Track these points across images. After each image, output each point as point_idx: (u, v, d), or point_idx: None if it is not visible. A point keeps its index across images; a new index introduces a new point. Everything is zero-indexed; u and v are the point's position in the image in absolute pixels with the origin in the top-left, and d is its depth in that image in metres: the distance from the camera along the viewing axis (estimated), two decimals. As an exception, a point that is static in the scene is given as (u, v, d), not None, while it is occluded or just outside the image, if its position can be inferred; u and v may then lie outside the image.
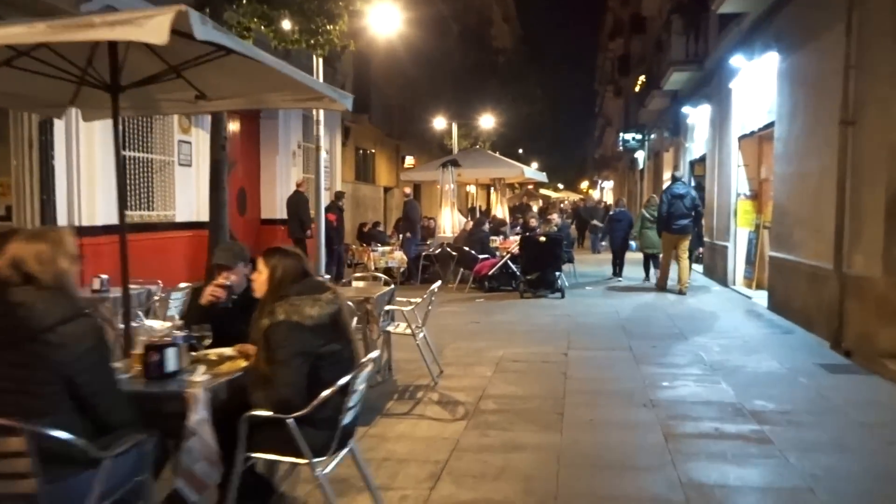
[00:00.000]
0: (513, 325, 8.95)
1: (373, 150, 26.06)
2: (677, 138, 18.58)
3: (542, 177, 19.01)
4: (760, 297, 10.79)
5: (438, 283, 6.72)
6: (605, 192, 64.13)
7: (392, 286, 6.82)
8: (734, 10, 10.74)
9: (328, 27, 9.06)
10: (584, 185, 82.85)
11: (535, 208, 43.08)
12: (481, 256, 12.53)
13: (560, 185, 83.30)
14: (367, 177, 25.29)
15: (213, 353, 3.42)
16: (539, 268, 11.54)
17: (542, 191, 57.16)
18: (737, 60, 11.25)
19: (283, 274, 3.16)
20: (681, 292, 11.65)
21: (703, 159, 16.07)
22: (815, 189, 8.07)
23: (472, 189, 46.18)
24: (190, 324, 3.51)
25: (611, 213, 17.49)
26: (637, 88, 24.42)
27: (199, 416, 2.87)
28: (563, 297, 11.43)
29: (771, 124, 10.29)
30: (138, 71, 4.87)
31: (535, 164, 53.26)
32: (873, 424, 4.92)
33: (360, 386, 3.17)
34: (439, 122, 23.63)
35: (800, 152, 8.70)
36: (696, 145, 16.51)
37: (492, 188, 21.26)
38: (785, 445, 4.45)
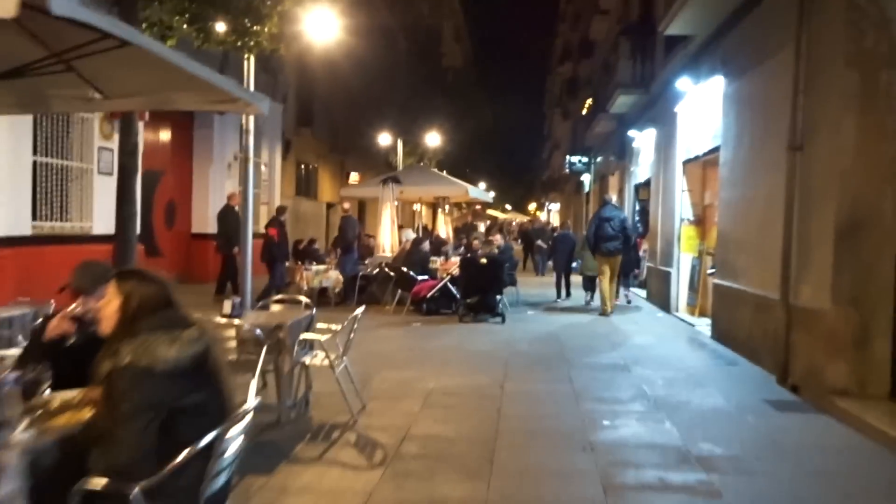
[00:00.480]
0: (448, 353, 8.41)
1: (316, 165, 25.34)
2: (623, 162, 18.49)
3: (487, 196, 18.64)
4: (704, 326, 10.53)
5: (361, 308, 6.12)
6: (551, 214, 64.59)
7: (312, 311, 6.19)
8: (681, 31, 10.56)
9: (256, 28, 8.42)
10: (532, 206, 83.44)
11: (482, 228, 42.92)
12: (420, 277, 11.98)
13: (508, 207, 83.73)
14: (308, 192, 24.53)
15: (59, 399, 2.76)
16: (479, 291, 11.06)
17: (490, 211, 57.22)
18: (683, 84, 11.08)
19: (139, 304, 2.54)
20: (603, 313, 11.77)
21: (647, 183, 15.94)
22: (761, 215, 7.81)
23: (418, 207, 45.82)
24: (28, 361, 2.84)
25: (555, 234, 17.53)
26: (584, 111, 24.43)
27: (8, 487, 2.21)
28: (503, 321, 10.96)
29: (716, 149, 10.08)
30: (13, 58, 4.23)
31: (482, 185, 53.30)
32: (827, 473, 4.53)
33: (232, 445, 2.56)
34: (385, 139, 23.07)
35: (745, 177, 8.46)
36: (642, 169, 16.39)
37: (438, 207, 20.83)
38: (736, 500, 4.00)
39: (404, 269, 12.05)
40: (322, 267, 12.84)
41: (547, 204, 69.08)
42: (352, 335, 5.83)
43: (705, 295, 11.65)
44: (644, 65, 14.55)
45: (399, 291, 12.44)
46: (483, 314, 11.20)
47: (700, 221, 12.19)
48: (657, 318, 12.02)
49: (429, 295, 11.68)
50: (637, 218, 17.08)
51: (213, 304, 13.48)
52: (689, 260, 12.09)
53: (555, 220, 57.31)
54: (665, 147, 13.25)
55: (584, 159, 26.41)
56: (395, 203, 13.96)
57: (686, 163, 12.08)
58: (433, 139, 23.75)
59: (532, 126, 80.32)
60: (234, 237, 12.90)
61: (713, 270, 10.10)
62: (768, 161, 7.57)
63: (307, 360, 5.67)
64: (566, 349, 8.76)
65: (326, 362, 5.56)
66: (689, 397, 6.32)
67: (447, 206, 42.08)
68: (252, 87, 10.18)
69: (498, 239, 13.41)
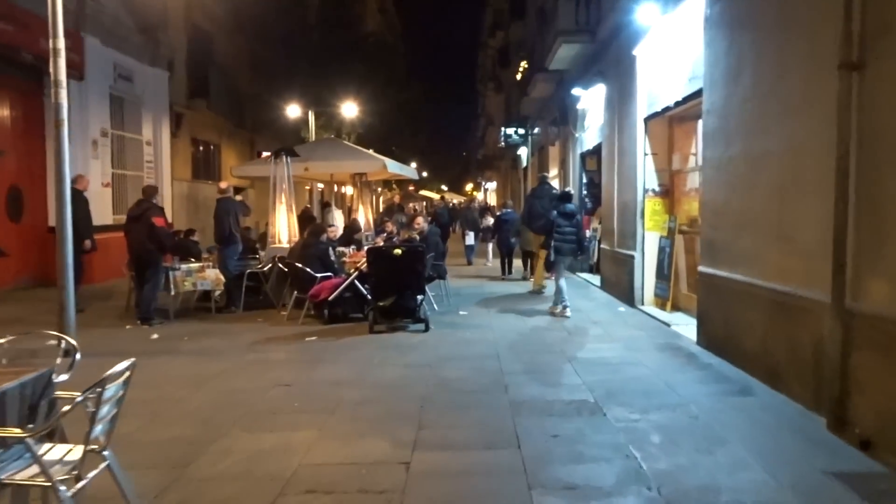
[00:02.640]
0: (341, 390, 5.78)
1: (217, 143, 22.12)
2: (565, 128, 16.12)
3: (411, 172, 16.06)
4: (682, 325, 8.23)
5: (126, 363, 3.27)
6: (488, 193, 62.47)
7: (49, 371, 3.45)
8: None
9: None
10: (469, 187, 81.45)
11: (418, 209, 40.26)
12: (320, 275, 9.29)
13: (444, 187, 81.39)
14: (209, 174, 21.30)
15: None
16: (394, 290, 8.47)
17: (425, 192, 54.58)
18: (645, 15, 8.65)
19: None
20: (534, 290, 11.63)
21: (596, 151, 13.60)
22: (778, 177, 5.46)
23: (350, 191, 42.99)
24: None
25: (499, 214, 16.78)
26: (519, 76, 21.98)
27: None
28: (426, 329, 8.41)
29: (694, 95, 7.73)
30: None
31: (413, 164, 50.61)
32: None
33: None
34: (293, 111, 20.08)
35: (748, 126, 6.08)
36: (589, 134, 14.05)
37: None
38: None
39: (298, 266, 9.34)
40: (195, 265, 9.98)
41: (483, 183, 66.99)
42: (120, 392, 3.13)
43: (679, 284, 9.37)
44: (589, 6, 12.11)
45: (295, 293, 9.75)
46: (400, 320, 8.63)
47: (668, 192, 9.90)
48: (619, 313, 9.69)
49: (330, 297, 9.01)
50: (584, 192, 14.76)
51: (91, 311, 10.54)
52: (656, 240, 9.79)
53: (492, 200, 55.23)
54: (620, 103, 10.87)
55: (521, 130, 24.04)
56: (288, 182, 11.14)
57: (649, 119, 9.73)
58: (350, 110, 20.83)
59: (466, 105, 77.68)
60: (85, 230, 9.97)
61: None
62: (793, 97, 5.20)
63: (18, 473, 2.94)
64: (508, 372, 6.26)
65: (62, 474, 2.87)
66: (712, 474, 3.88)
67: (376, 187, 39.29)
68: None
69: (420, 222, 10.80)
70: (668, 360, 6.69)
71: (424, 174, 59.32)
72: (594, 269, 14.11)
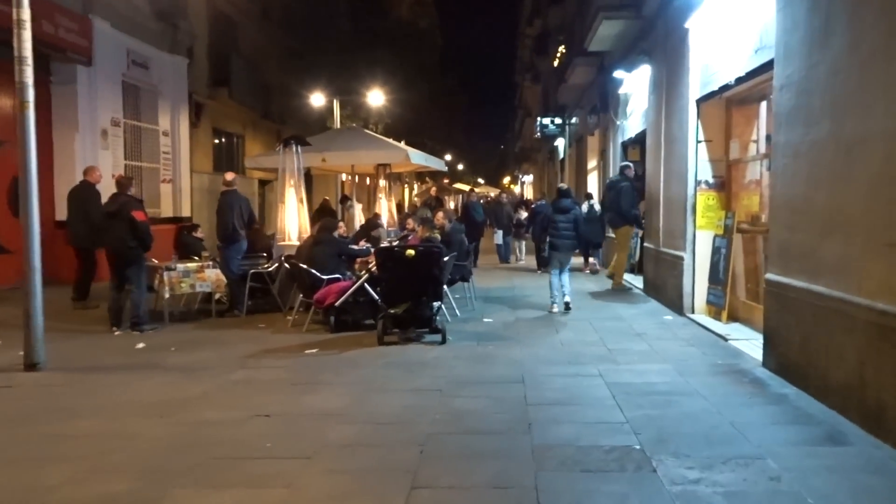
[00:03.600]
0: (328, 424, 4.75)
1: (241, 134, 21.34)
2: (605, 115, 14.85)
3: (438, 164, 14.99)
4: (743, 341, 7.02)
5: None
6: (525, 186, 61.10)
7: None
8: None
9: None
10: (507, 180, 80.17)
11: (452, 204, 38.98)
12: (326, 277, 8.29)
13: (480, 180, 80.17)
14: (232, 166, 20.48)
15: None
16: (407, 296, 7.41)
17: (459, 185, 53.49)
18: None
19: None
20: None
21: (640, 139, 12.35)
22: (881, 167, 4.24)
23: (384, 183, 42.11)
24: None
25: (533, 206, 16.87)
26: (556, 63, 20.70)
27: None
28: (443, 341, 7.34)
29: (761, 69, 6.49)
30: None
31: (448, 156, 49.52)
32: None
33: None
34: (319, 100, 19.15)
35: (838, 103, 4.84)
36: (632, 121, 12.78)
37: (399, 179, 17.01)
38: None
39: (303, 267, 8.34)
40: (193, 266, 9.06)
41: (520, 176, 65.61)
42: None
43: (737, 290, 8.14)
44: (635, -23, 10.85)
45: (301, 297, 8.78)
46: (414, 329, 7.58)
47: (723, 184, 8.64)
48: (666, 324, 8.48)
49: (337, 303, 8.00)
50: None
51: (70, 314, 9.78)
52: (710, 240, 8.54)
53: (528, 193, 53.84)
54: (668, 85, 9.62)
55: (558, 120, 22.73)
56: (298, 174, 10.15)
57: (702, 101, 8.48)
58: (376, 98, 19.82)
59: (505, 100, 76.12)
60: (95, 223, 9.22)
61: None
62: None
63: None
64: (534, 402, 5.15)
65: None
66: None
67: (407, 179, 38.43)
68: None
69: (440, 218, 9.70)
70: (731, 389, 5.49)
71: (460, 167, 58.32)
72: (636, 270, 12.87)
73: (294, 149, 10.08)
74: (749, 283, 8.19)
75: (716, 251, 8.36)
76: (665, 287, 9.56)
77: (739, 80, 7.13)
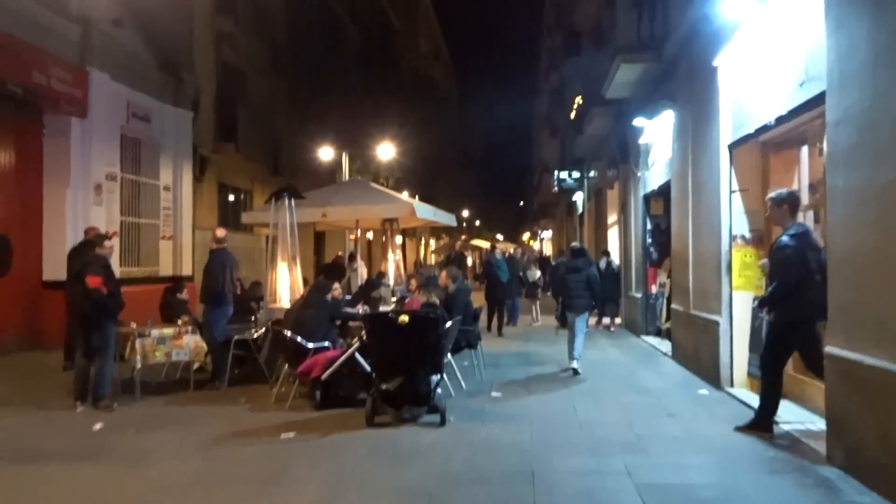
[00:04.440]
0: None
1: (249, 189, 20.75)
2: (625, 167, 13.99)
3: (447, 219, 14.13)
4: (796, 424, 5.93)
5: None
6: (544, 242, 60.22)
7: None
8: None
9: None
10: (526, 236, 79.57)
11: (470, 261, 38.04)
12: (311, 345, 7.33)
13: (499, 236, 79.47)
14: (239, 222, 19.85)
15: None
16: (401, 369, 6.42)
17: (477, 241, 52.73)
18: (735, 5, 6.55)
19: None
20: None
21: (663, 191, 11.43)
22: None
23: (400, 239, 41.48)
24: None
25: (553, 262, 17.12)
26: (573, 114, 20.02)
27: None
28: (442, 422, 6.31)
29: (809, 104, 5.58)
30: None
31: (465, 212, 48.95)
32: None
33: None
34: (326, 153, 18.57)
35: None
36: (654, 172, 11.88)
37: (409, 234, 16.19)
38: None
39: (287, 334, 7.41)
40: (169, 331, 8.16)
41: (539, 232, 64.86)
42: None
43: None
44: (654, 16, 10.11)
45: (287, 367, 7.81)
46: (410, 408, 6.56)
47: (762, 239, 7.63)
48: (701, 399, 7.37)
49: (323, 375, 7.02)
50: (649, 240, 12.53)
51: (39, 386, 8.86)
52: (748, 302, 7.49)
53: (548, 249, 52.88)
54: (695, 130, 8.74)
55: (575, 174, 21.94)
56: (291, 230, 9.32)
57: (735, 146, 7.57)
58: (386, 151, 19.18)
59: (524, 155, 76.06)
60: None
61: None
62: None
63: None
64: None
65: None
66: None
67: (422, 235, 37.71)
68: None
69: (444, 278, 8.75)
70: (793, 494, 4.38)
71: (477, 223, 57.76)
72: (662, 333, 11.79)
73: (287, 202, 9.27)
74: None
75: (757, 315, 7.29)
76: (698, 355, 8.47)
77: (781, 120, 6.21)
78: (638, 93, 11.85)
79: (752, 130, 6.89)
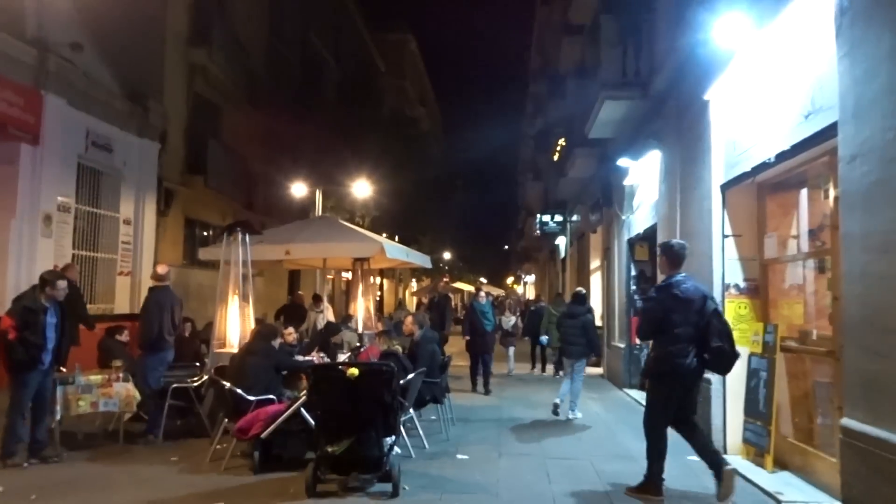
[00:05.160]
0: None
1: (218, 225, 19.88)
2: (609, 210, 13.37)
3: (420, 259, 13.39)
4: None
5: None
6: (527, 286, 59.62)
7: None
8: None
9: None
10: (510, 280, 78.99)
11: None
12: (252, 398, 6.47)
13: (483, 280, 78.72)
14: (206, 260, 18.95)
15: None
16: (350, 430, 5.56)
17: (459, 284, 51.94)
18: (729, 33, 5.95)
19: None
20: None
21: (648, 236, 10.78)
22: None
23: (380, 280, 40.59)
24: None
25: (531, 308, 16.91)
26: (556, 156, 19.54)
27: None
28: (394, 493, 5.45)
29: (815, 138, 4.94)
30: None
31: (446, 254, 48.23)
32: None
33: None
34: (300, 189, 17.86)
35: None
36: (639, 215, 11.24)
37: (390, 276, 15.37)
38: None
39: (224, 385, 6.54)
40: (96, 378, 7.25)
41: (522, 276, 64.30)
42: None
43: (782, 428, 6.29)
44: (639, 53, 9.58)
45: (226, 421, 6.92)
46: (358, 475, 5.68)
47: (757, 290, 6.94)
48: (691, 468, 6.52)
49: (263, 433, 6.15)
50: (633, 287, 11.83)
51: None
52: (744, 358, 6.74)
53: (530, 293, 52.17)
54: (684, 170, 8.12)
55: (558, 217, 21.38)
56: (244, 267, 8.51)
57: (728, 188, 6.93)
58: (362, 189, 18.50)
59: (508, 200, 75.86)
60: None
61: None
62: None
63: None
64: None
65: None
66: None
67: (401, 277, 36.64)
68: None
69: (410, 324, 7.93)
70: None
71: (460, 265, 56.98)
72: (646, 386, 10.99)
73: (239, 238, 8.49)
74: (798, 418, 6.34)
75: (752, 374, 6.55)
76: (686, 415, 7.66)
77: (783, 157, 5.57)
78: (623, 133, 11.29)
79: (748, 168, 6.25)
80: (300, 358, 7.58)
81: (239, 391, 6.48)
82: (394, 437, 5.74)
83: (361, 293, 13.12)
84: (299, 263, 13.89)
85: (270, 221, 21.44)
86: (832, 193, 5.23)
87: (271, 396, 6.61)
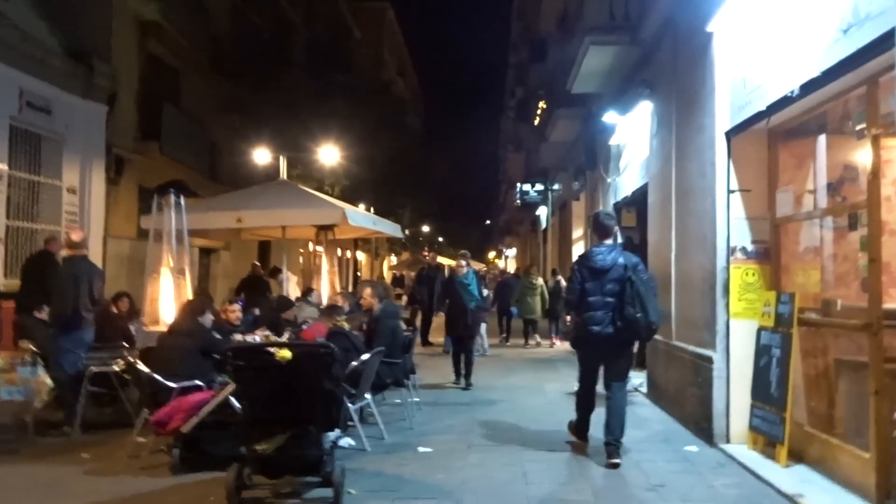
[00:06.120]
0: None
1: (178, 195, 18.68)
2: (593, 174, 12.38)
3: (389, 228, 12.29)
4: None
5: None
6: (508, 260, 58.82)
7: None
8: None
9: None
10: (492, 254, 78.28)
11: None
12: (174, 385, 5.43)
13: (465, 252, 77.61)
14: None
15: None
16: (284, 424, 4.55)
17: (442, 258, 50.97)
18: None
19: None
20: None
21: (637, 199, 9.81)
22: None
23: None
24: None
25: (499, 280, 16.95)
26: (537, 120, 18.48)
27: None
28: (336, 500, 4.45)
29: (860, 55, 3.93)
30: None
31: (425, 227, 47.17)
32: None
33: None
34: (263, 156, 16.65)
35: None
36: (627, 177, 10.24)
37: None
38: None
39: (143, 370, 5.50)
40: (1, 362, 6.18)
41: (504, 250, 63.51)
42: None
43: (798, 413, 5.37)
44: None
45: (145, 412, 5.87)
46: (294, 479, 4.69)
47: (768, 254, 5.98)
48: (691, 461, 5.61)
49: (184, 427, 5.12)
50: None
51: None
52: (752, 333, 5.80)
53: (512, 266, 51.36)
54: (681, 118, 7.11)
55: (539, 186, 20.39)
56: (175, 233, 7.43)
57: (736, 134, 5.92)
58: (330, 156, 17.30)
59: (491, 174, 74.65)
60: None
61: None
62: None
63: None
64: None
65: None
66: None
67: (377, 248, 35.61)
68: None
69: (368, 296, 6.85)
70: None
71: (440, 239, 55.95)
72: (634, 363, 10.08)
73: (172, 201, 7.38)
74: (816, 402, 5.42)
75: (763, 352, 5.61)
76: (683, 399, 6.75)
77: (810, 87, 4.55)
78: (609, 86, 10.24)
79: (762, 107, 5.23)
80: (237, 338, 6.54)
81: (157, 377, 5.44)
82: (337, 433, 4.73)
83: (327, 265, 12.09)
84: (258, 234, 12.78)
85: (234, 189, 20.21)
86: (866, 134, 4.27)
87: (198, 383, 5.57)
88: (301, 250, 23.44)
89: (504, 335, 14.89)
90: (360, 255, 41.26)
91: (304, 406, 4.55)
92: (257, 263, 15.05)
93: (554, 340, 14.11)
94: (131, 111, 16.02)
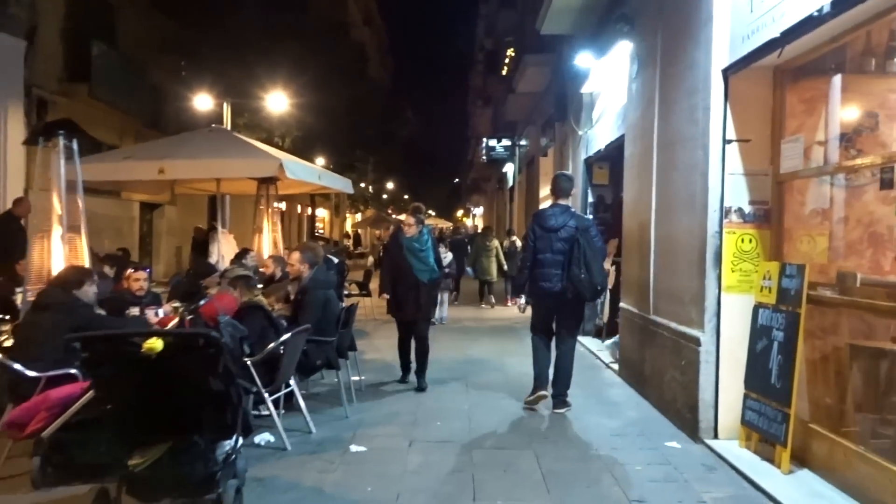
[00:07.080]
0: None
1: (115, 145, 17.11)
2: (562, 126, 11.31)
3: (339, 183, 11.12)
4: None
5: None
6: (476, 219, 57.86)
7: None
8: None
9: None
10: (460, 213, 77.27)
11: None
12: (44, 374, 4.33)
13: (431, 212, 76.61)
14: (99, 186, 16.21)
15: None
16: (162, 433, 3.50)
17: (404, 217, 49.78)
18: None
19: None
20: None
21: (611, 154, 8.80)
22: None
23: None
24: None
25: (449, 240, 15.42)
26: (505, 70, 17.26)
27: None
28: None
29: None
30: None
31: (390, 185, 45.85)
32: None
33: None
34: (205, 102, 15.20)
35: None
36: (600, 129, 9.18)
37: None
38: None
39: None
40: None
41: (472, 209, 62.53)
42: None
43: (802, 408, 4.47)
44: None
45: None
46: (176, 498, 3.66)
47: (768, 217, 5.02)
48: (672, 462, 4.71)
49: (45, 431, 4.04)
50: (590, 216, 9.91)
51: None
52: (748, 311, 4.87)
53: (480, 225, 50.38)
54: (667, 55, 6.06)
55: (506, 142, 19.26)
56: (65, 184, 6.21)
57: (735, 71, 4.89)
58: (279, 103, 15.90)
59: (459, 133, 73.01)
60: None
61: None
62: None
63: None
64: None
65: None
66: None
67: (337, 204, 34.38)
68: None
69: (296, 261, 5.75)
70: None
71: (406, 197, 54.56)
72: (603, 333, 9.25)
73: (62, 144, 6.14)
74: (825, 395, 4.54)
75: (760, 334, 4.69)
76: (661, 383, 5.85)
77: (834, 10, 3.51)
78: (584, 25, 9.12)
79: (777, 34, 4.19)
80: (135, 313, 5.41)
81: (15, 365, 4.32)
82: (233, 442, 3.69)
83: (269, 224, 10.91)
84: (192, 187, 11.50)
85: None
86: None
87: (71, 371, 4.47)
88: (261, 207, 22.10)
89: (454, 292, 14.45)
90: (324, 213, 39.88)
91: (187, 411, 3.50)
92: (201, 227, 13.82)
93: (509, 302, 13.92)
94: (56, 48, 14.44)
